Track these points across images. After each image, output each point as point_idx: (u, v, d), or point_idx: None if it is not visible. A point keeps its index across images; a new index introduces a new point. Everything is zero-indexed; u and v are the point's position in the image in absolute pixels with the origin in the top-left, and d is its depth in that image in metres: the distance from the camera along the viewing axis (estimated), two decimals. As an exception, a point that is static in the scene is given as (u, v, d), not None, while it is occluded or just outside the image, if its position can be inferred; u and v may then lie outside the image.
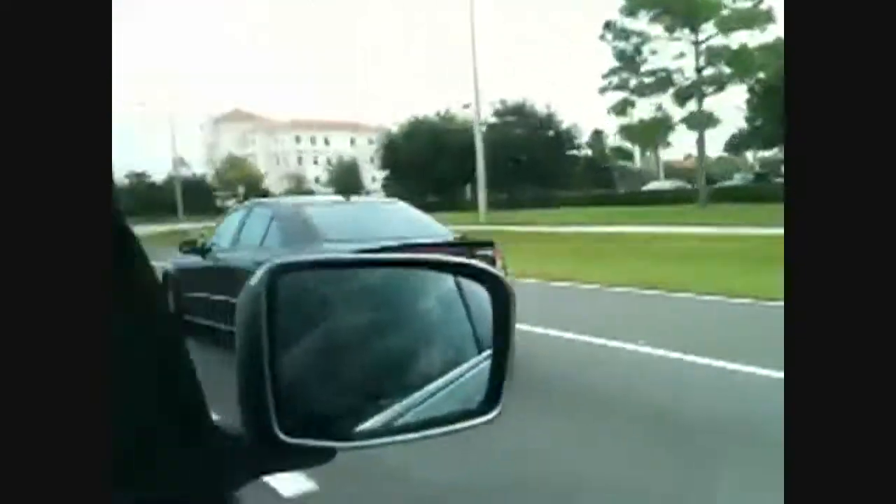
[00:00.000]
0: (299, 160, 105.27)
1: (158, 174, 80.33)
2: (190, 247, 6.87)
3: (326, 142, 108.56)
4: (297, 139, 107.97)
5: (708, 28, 35.41)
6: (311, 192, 57.29)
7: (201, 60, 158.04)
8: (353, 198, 7.38)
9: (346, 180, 71.57)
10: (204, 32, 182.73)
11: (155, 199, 68.80)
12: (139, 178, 77.39)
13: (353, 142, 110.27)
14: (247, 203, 7.21)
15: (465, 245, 5.50)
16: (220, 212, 25.23)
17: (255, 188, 74.04)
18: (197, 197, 69.32)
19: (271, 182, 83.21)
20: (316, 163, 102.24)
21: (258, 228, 5.90)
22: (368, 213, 6.28)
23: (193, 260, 6.69)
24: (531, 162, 51.82)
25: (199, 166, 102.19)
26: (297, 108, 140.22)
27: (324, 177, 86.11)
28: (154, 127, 76.76)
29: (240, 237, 6.16)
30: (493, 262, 5.09)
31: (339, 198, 7.42)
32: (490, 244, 5.51)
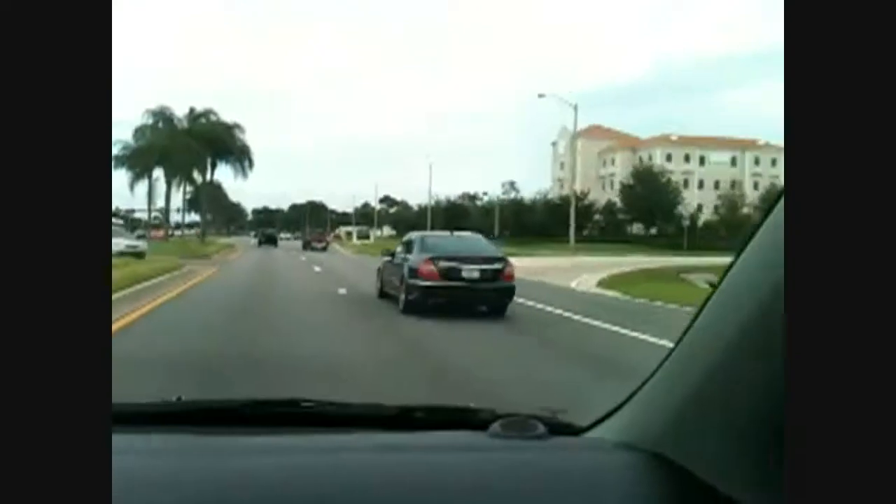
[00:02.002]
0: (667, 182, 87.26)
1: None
2: (387, 252, 13.75)
3: (702, 161, 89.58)
4: (668, 157, 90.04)
5: None
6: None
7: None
8: (456, 233, 13.73)
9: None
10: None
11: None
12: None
13: (734, 161, 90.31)
14: (410, 234, 13.90)
15: (496, 258, 11.73)
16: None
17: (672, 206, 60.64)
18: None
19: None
20: (701, 186, 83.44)
21: (411, 245, 12.20)
22: (457, 240, 12.64)
23: (387, 260, 13.45)
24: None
25: (545, 184, 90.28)
26: (665, 123, 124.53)
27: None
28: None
29: (406, 249, 12.28)
30: (501, 273, 11.43)
31: (446, 232, 14.28)
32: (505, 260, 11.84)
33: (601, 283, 19.75)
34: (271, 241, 56.29)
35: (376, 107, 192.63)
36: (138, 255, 25.59)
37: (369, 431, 1.15)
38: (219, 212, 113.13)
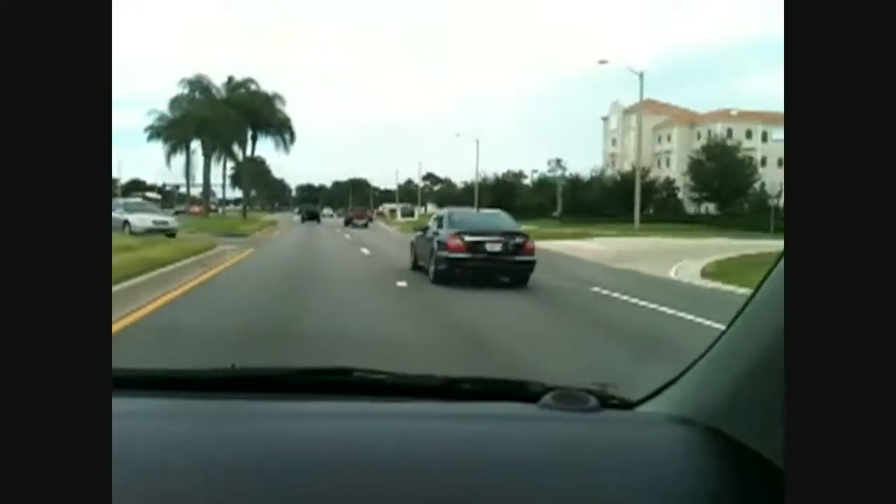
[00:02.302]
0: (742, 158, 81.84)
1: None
2: (419, 228, 14.95)
3: (764, 137, 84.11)
4: (728, 133, 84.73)
5: None
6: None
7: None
8: (481, 210, 16.82)
9: None
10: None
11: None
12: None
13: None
14: (441, 209, 16.04)
15: (518, 233, 12.47)
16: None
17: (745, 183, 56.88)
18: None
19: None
20: (764, 164, 78.06)
21: (441, 220, 13.04)
22: (482, 216, 14.32)
23: (419, 234, 14.27)
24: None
25: (592, 161, 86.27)
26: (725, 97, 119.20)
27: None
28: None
29: (437, 224, 13.07)
30: (523, 246, 12.12)
31: (472, 209, 18.67)
32: (526, 235, 12.69)
33: (708, 274, 16.44)
34: (313, 217, 56.73)
35: (417, 88, 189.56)
36: (169, 233, 23.03)
37: (418, 401, 1.14)
38: (263, 188, 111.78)
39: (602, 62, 44.16)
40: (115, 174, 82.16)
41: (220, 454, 0.87)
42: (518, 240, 12.20)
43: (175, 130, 46.66)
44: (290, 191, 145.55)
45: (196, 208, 51.89)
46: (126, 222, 23.07)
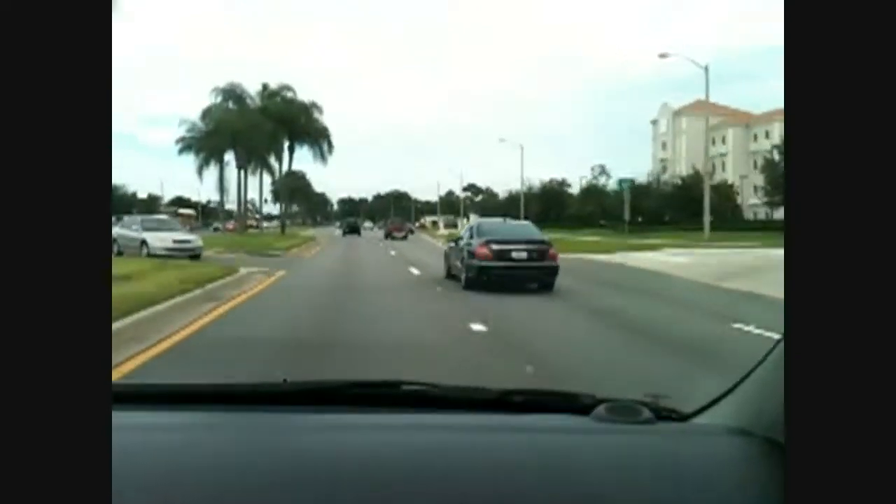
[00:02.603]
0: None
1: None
2: (452, 240, 15.99)
3: (829, 137, 78.74)
4: (789, 133, 79.58)
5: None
6: None
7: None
8: (508, 220, 16.13)
9: None
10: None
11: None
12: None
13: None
14: (471, 219, 24.66)
15: (542, 241, 13.35)
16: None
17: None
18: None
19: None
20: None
21: (471, 231, 14.02)
22: (508, 226, 14.64)
23: (452, 244, 15.07)
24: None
25: (639, 166, 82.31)
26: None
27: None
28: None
29: (468, 235, 13.85)
30: (546, 253, 12.99)
31: (500, 219, 16.60)
32: (549, 243, 13.47)
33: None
34: (354, 230, 57.67)
35: (457, 98, 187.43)
36: (193, 254, 20.12)
37: (468, 413, 1.13)
38: (304, 202, 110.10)
39: (663, 56, 40.62)
40: (156, 192, 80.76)
41: (261, 466, 0.86)
42: (542, 247, 13.16)
43: (208, 142, 44.27)
44: (331, 205, 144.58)
45: (231, 225, 49.48)
46: (143, 242, 20.29)
